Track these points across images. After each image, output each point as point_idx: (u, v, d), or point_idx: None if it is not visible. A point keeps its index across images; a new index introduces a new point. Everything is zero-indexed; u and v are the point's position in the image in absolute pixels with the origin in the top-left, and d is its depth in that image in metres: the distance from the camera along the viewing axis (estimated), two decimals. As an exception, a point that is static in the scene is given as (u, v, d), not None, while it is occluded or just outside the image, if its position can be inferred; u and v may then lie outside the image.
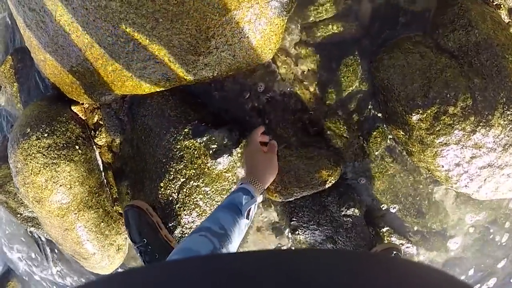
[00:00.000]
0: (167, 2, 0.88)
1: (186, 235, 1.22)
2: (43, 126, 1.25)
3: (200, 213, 1.21)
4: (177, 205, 1.19)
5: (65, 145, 1.26)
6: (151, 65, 1.02)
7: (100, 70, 1.12)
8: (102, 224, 1.36)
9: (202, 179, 1.18)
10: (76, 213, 1.29)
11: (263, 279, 0.24)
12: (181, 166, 1.16)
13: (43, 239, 1.78)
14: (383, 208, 1.21)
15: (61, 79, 1.26)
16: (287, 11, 0.92)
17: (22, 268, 1.97)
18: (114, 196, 1.41)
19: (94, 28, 1.03)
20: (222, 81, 1.22)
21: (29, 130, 1.24)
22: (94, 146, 1.37)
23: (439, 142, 0.98)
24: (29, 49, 1.29)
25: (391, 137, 1.14)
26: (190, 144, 1.16)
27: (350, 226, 1.18)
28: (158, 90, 1.13)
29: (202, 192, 1.19)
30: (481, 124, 0.93)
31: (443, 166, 1.01)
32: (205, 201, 1.21)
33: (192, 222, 1.22)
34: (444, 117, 0.95)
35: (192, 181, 1.18)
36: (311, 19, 1.13)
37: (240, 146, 1.18)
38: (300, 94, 1.20)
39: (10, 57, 1.50)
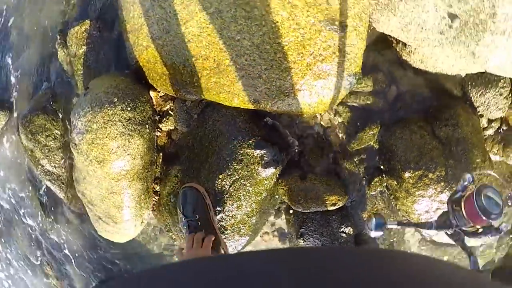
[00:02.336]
0: (284, 57, 1.26)
1: (224, 220, 1.51)
2: (128, 100, 1.45)
3: (238, 206, 1.52)
4: (226, 195, 1.49)
5: (140, 121, 1.48)
6: (251, 91, 1.35)
7: (202, 78, 1.40)
8: (142, 196, 1.56)
9: (249, 180, 1.51)
10: (130, 181, 1.48)
11: (283, 276, 0.25)
12: (239, 167, 1.48)
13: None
14: (366, 234, 1.68)
15: (154, 67, 1.49)
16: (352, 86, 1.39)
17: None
18: (156, 175, 1.62)
19: (218, 49, 1.32)
20: (280, 113, 1.60)
21: (116, 100, 1.43)
22: (157, 129, 1.59)
23: (418, 194, 1.50)
24: (126, 29, 1.50)
25: (385, 185, 1.65)
26: (250, 153, 1.49)
27: (344, 241, 1.61)
28: (242, 107, 1.44)
29: (246, 190, 1.51)
30: (447, 188, 1.48)
31: (417, 211, 1.53)
32: (245, 197, 1.52)
33: (231, 211, 1.51)
34: (425, 179, 1.48)
35: (243, 180, 1.50)
36: (355, 88, 1.61)
37: (283, 163, 1.56)
38: (331, 138, 1.65)
39: (88, 22, 1.64)
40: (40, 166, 1.67)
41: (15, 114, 1.90)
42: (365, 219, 1.55)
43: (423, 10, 1.27)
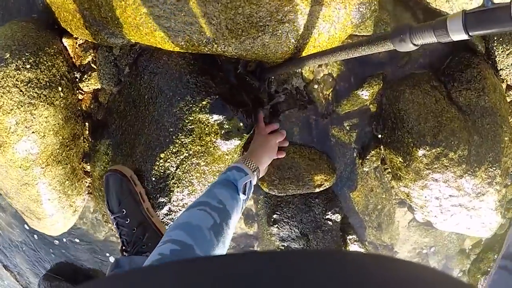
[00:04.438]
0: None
1: (174, 213, 1.17)
2: (27, 54, 1.02)
3: (191, 191, 1.16)
4: (172, 180, 1.12)
5: (48, 83, 1.06)
6: (202, 24, 0.91)
7: (128, 9, 0.94)
8: (67, 182, 1.20)
9: (204, 157, 1.13)
10: (43, 167, 1.11)
11: (259, 281, 0.24)
12: (189, 140, 1.09)
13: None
14: (354, 217, 1.35)
15: (64, 2, 1.03)
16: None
17: None
18: (85, 151, 1.25)
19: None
20: (247, 61, 1.17)
21: (8, 55, 1.00)
22: (77, 91, 1.18)
23: (432, 177, 1.14)
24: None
25: (382, 158, 1.27)
26: (204, 119, 1.08)
27: (328, 229, 1.29)
28: (189, 51, 1.01)
29: (200, 171, 1.14)
30: (468, 172, 1.12)
31: (425, 197, 1.18)
32: (200, 180, 1.16)
33: (182, 200, 1.16)
34: (444, 159, 1.11)
35: (195, 158, 1.12)
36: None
37: (251, 132, 1.16)
38: (314, 95, 1.23)
39: None
40: None
41: None
42: None
43: None
